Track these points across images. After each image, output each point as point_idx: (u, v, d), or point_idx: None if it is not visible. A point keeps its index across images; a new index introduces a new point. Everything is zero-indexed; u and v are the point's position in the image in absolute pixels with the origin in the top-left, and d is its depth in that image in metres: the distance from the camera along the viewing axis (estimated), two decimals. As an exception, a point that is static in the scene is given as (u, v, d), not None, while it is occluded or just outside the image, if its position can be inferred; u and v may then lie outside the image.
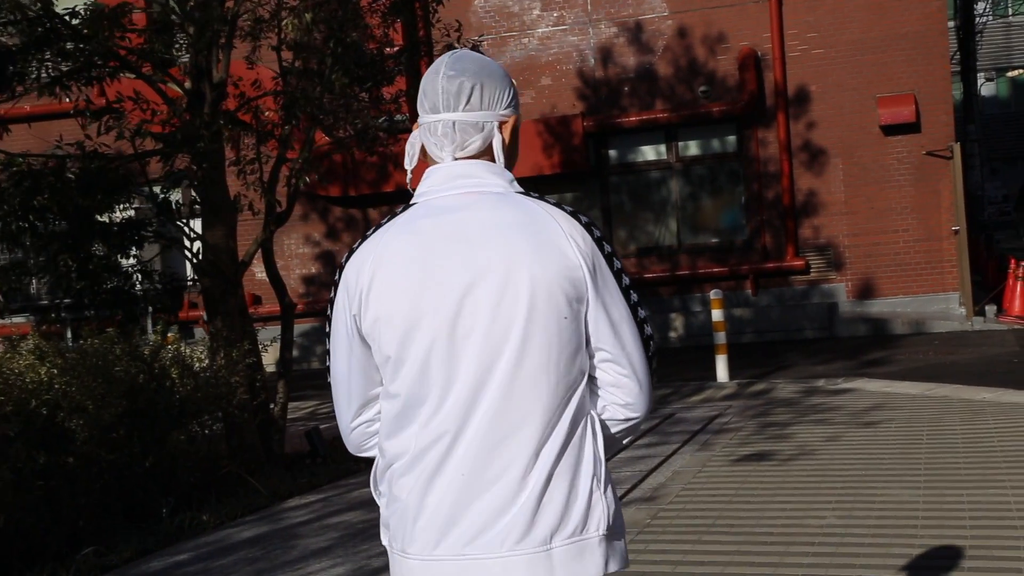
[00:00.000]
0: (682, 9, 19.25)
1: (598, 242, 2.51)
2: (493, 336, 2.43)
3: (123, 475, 7.95)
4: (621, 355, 2.52)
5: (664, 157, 19.76)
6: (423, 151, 2.65)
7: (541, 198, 2.55)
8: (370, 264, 2.53)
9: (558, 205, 2.53)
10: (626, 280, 2.55)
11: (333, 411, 11.78)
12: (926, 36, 18.53)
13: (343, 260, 2.65)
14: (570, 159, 19.14)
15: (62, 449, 7.46)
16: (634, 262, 19.56)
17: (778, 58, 18.86)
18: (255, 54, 10.30)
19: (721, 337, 13.64)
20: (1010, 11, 41.99)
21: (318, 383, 17.73)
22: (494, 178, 2.55)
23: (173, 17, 9.71)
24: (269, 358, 11.20)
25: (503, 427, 2.44)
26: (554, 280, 2.43)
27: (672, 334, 19.10)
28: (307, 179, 9.99)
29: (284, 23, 8.73)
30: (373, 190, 19.88)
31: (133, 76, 9.66)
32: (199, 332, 19.23)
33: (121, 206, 9.54)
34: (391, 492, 2.56)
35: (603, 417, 2.58)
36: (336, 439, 10.83)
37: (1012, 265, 18.45)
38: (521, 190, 2.57)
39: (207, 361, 9.33)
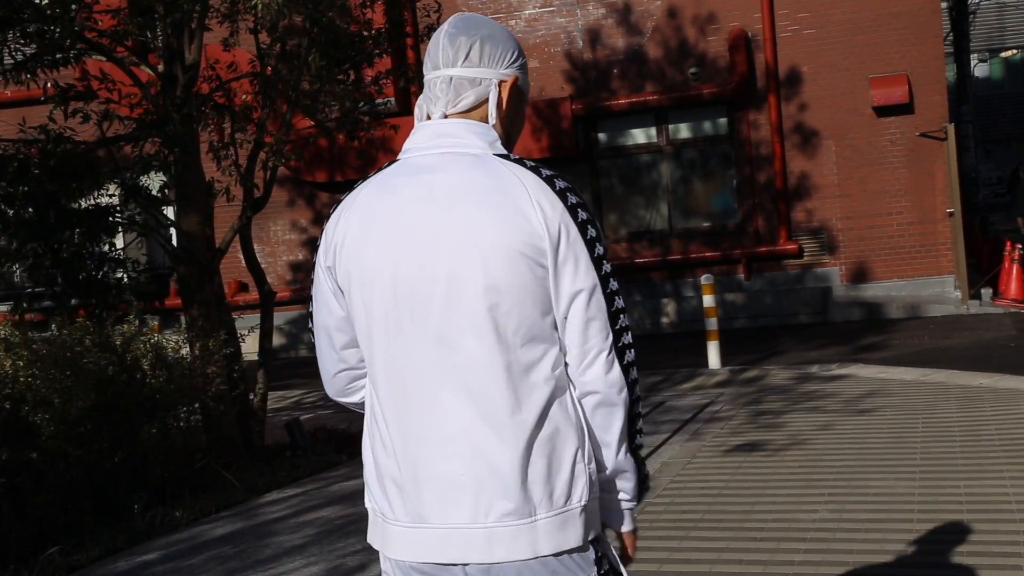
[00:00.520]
0: (672, -10, 18.99)
1: (571, 209, 2.45)
2: (453, 302, 2.42)
3: (92, 471, 7.69)
4: (573, 329, 2.46)
5: (654, 140, 19.50)
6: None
7: (519, 160, 2.51)
8: (344, 219, 2.56)
9: (535, 169, 2.50)
10: (600, 252, 2.47)
11: (320, 401, 11.54)
12: (919, 15, 18.27)
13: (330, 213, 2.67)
14: (559, 143, 18.87)
15: (26, 444, 7.20)
16: (625, 247, 19.31)
17: (769, 39, 18.59)
18: (234, 37, 10.03)
19: (712, 323, 13.42)
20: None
21: (305, 371, 17.50)
22: (474, 139, 2.54)
23: (149, -4, 9.41)
24: (252, 347, 10.94)
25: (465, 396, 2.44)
26: (514, 247, 2.40)
27: (664, 320, 18.87)
28: (283, 162, 9.71)
29: (255, 3, 8.43)
30: (360, 175, 19.61)
31: (104, 59, 9.38)
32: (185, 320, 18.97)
33: (95, 192, 9.25)
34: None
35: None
36: (318, 430, 10.59)
37: (1008, 247, 18.25)
38: (502, 152, 2.54)
39: (184, 351, 9.08)
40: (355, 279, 2.52)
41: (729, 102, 18.94)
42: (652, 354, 15.07)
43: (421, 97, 2.66)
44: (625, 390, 2.49)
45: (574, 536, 2.45)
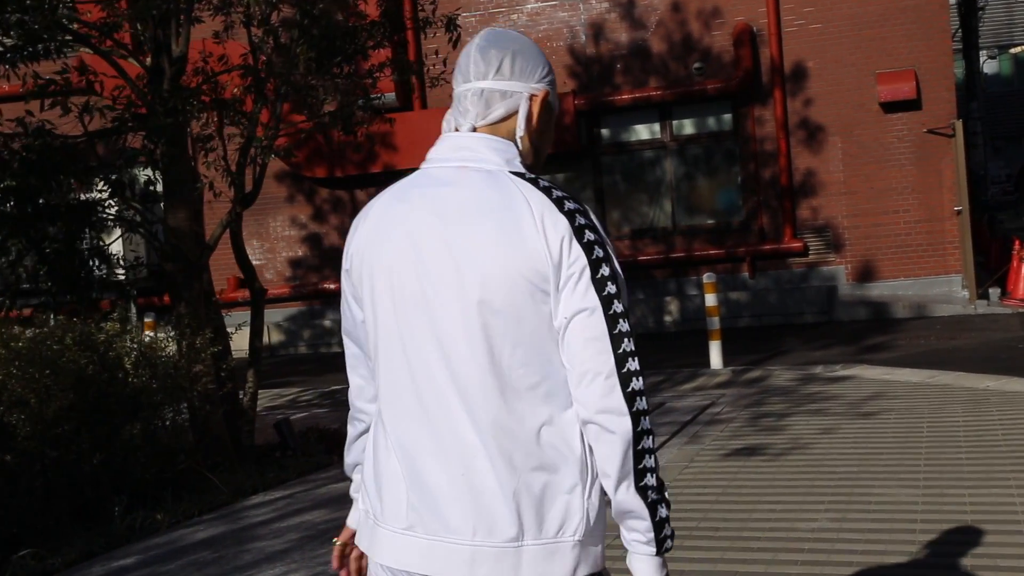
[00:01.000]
0: (677, -16, 18.75)
1: (577, 230, 2.39)
2: (450, 318, 2.41)
3: (70, 473, 7.47)
4: (571, 350, 2.39)
5: (658, 136, 19.25)
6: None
7: (533, 180, 2.48)
8: (363, 226, 2.59)
9: (546, 189, 2.45)
10: (606, 273, 2.39)
11: (315, 399, 11.32)
12: (926, 10, 18.02)
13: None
14: (561, 138, 18.62)
15: (1, 446, 6.99)
16: (628, 244, 19.08)
17: (774, 33, 18.35)
18: (228, 32, 9.81)
19: (715, 323, 13.20)
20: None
21: (304, 369, 17.31)
22: (492, 154, 2.52)
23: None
24: (245, 345, 10.71)
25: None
26: (515, 268, 2.37)
27: (667, 318, 18.64)
28: (272, 157, 9.47)
29: (244, -5, 8.20)
30: (360, 171, 19.39)
31: (90, 52, 9.16)
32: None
33: (81, 188, 9.03)
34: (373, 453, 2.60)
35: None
36: (310, 430, 10.38)
37: (1016, 246, 18.00)
38: (519, 169, 2.51)
39: (171, 349, 8.86)
40: (366, 286, 2.54)
41: (734, 98, 18.71)
42: (654, 353, 14.85)
43: (450, 110, 2.64)
44: (627, 419, 2.36)
45: (560, 569, 2.40)
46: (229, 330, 9.66)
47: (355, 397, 2.74)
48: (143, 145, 8.78)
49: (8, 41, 8.55)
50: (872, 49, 18.16)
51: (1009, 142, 39.77)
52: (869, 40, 18.16)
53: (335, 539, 2.85)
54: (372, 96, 10.62)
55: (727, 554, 5.99)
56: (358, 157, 19.19)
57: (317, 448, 9.77)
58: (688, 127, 19.17)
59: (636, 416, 2.36)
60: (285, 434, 9.78)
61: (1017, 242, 18.15)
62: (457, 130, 2.59)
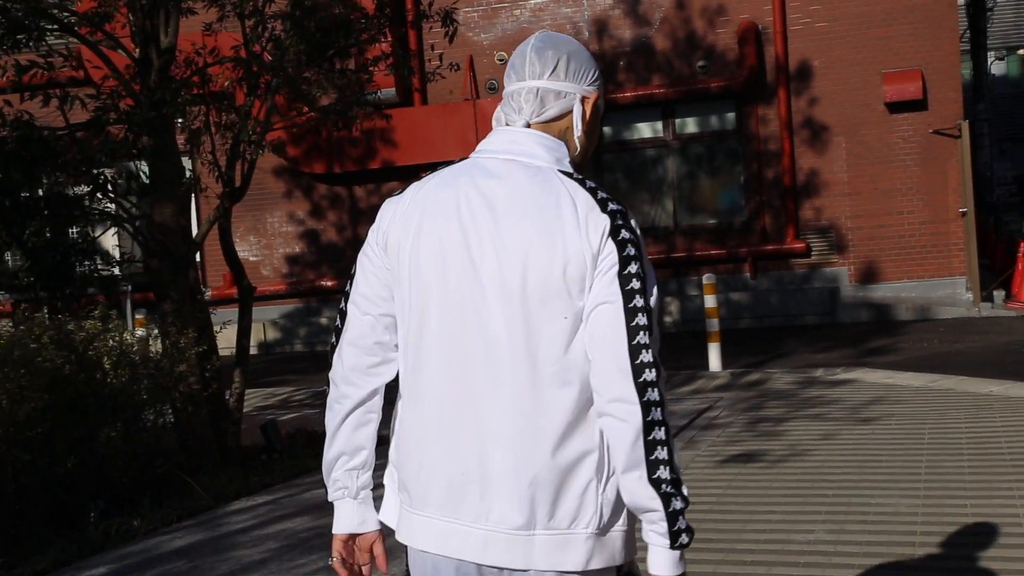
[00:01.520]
0: (680, -20, 18.52)
1: (615, 229, 2.46)
2: (491, 308, 2.47)
3: (44, 477, 7.24)
4: (591, 343, 2.45)
5: (660, 134, 19.02)
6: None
7: (580, 180, 2.55)
8: (407, 206, 2.62)
9: (592, 189, 2.52)
10: (634, 270, 2.45)
11: (308, 399, 11.07)
12: (934, 9, 17.78)
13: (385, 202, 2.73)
14: (563, 136, 18.37)
15: (-30, 449, 6.77)
16: (629, 243, 18.84)
17: (779, 31, 18.12)
18: (221, 23, 9.60)
19: (714, 324, 12.98)
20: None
21: (299, 367, 17.10)
22: (542, 151, 2.59)
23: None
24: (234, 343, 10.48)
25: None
26: (557, 264, 2.44)
27: (668, 319, 18.42)
28: (263, 152, 9.25)
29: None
30: (359, 167, 19.16)
31: (77, 41, 8.94)
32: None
33: (66, 181, 8.81)
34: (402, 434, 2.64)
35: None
36: (298, 432, 10.16)
37: (1022, 249, 17.77)
38: (567, 168, 2.59)
39: (155, 348, 8.64)
40: (406, 265, 2.58)
41: (738, 96, 18.48)
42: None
43: (500, 106, 2.71)
44: (636, 408, 2.40)
45: (573, 560, 2.45)
46: (216, 328, 9.44)
47: (346, 373, 2.71)
48: (125, 137, 8.55)
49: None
50: (878, 48, 17.93)
51: (1016, 144, 39.47)
52: (875, 39, 17.93)
53: (330, 560, 2.79)
54: (368, 92, 10.40)
55: (721, 567, 5.77)
56: (357, 153, 18.96)
57: (305, 451, 9.54)
58: (691, 126, 18.94)
59: (646, 406, 2.40)
60: (271, 436, 9.56)
61: (1022, 244, 17.93)
62: (508, 125, 2.66)
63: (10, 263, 8.52)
